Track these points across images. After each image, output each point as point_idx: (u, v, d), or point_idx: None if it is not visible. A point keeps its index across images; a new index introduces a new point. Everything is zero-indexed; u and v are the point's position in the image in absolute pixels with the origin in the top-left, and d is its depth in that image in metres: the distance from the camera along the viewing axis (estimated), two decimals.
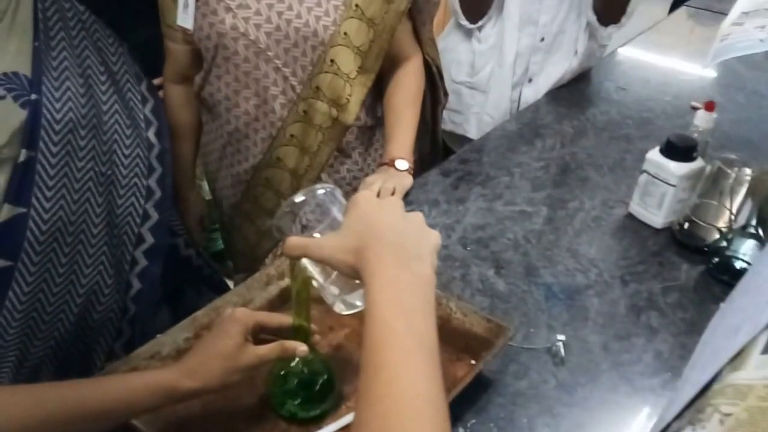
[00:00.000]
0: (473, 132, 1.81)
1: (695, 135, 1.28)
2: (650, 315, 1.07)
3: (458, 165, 1.47)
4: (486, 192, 1.37)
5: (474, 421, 0.88)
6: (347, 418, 0.85)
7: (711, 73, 2.03)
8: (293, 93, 1.32)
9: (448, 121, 1.84)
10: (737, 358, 0.59)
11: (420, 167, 1.49)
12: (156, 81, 1.55)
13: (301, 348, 0.83)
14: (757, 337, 0.51)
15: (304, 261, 0.75)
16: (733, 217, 1.18)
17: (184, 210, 1.57)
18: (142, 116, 1.19)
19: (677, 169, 1.20)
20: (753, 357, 0.52)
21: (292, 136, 1.36)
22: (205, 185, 1.68)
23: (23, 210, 1.01)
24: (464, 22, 1.71)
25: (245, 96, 1.35)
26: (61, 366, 1.15)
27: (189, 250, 1.45)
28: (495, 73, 1.74)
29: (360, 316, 1.03)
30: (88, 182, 1.09)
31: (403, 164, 1.35)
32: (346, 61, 1.30)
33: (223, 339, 0.80)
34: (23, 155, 0.99)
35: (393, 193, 1.28)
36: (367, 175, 1.48)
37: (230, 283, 1.68)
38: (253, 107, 1.35)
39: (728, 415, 0.50)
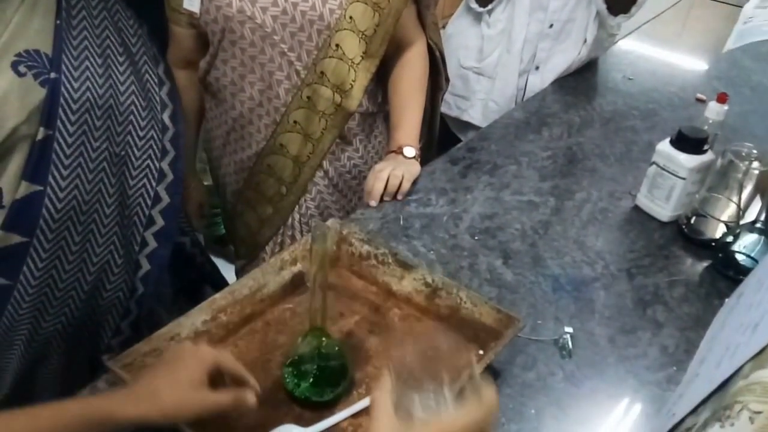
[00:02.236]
0: (478, 118, 1.81)
1: (705, 127, 1.28)
2: (656, 309, 1.08)
3: (465, 153, 1.47)
4: (493, 181, 1.37)
5: None
6: (360, 404, 0.86)
7: (717, 65, 2.03)
8: (297, 78, 1.31)
9: (454, 107, 1.84)
10: (761, 354, 0.59)
11: (421, 153, 1.49)
12: None
13: (251, 400, 0.79)
14: None
15: None
16: (740, 212, 1.19)
17: (183, 197, 1.56)
18: (158, 99, 1.19)
19: (688, 161, 1.20)
20: None
21: (295, 122, 1.35)
22: (205, 173, 1.67)
23: (40, 188, 1.01)
24: (474, 6, 1.70)
25: (250, 81, 1.34)
26: (71, 342, 1.16)
27: (194, 248, 1.46)
28: (503, 58, 1.73)
29: (369, 303, 1.04)
30: (102, 162, 1.09)
31: (410, 151, 1.35)
32: (352, 45, 1.29)
33: (181, 371, 0.75)
34: (41, 133, 1.00)
35: (402, 181, 1.28)
36: (367, 162, 1.48)
37: (230, 273, 1.69)
38: (258, 92, 1.34)
39: (758, 413, 0.50)
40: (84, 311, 1.15)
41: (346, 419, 0.86)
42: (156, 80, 1.20)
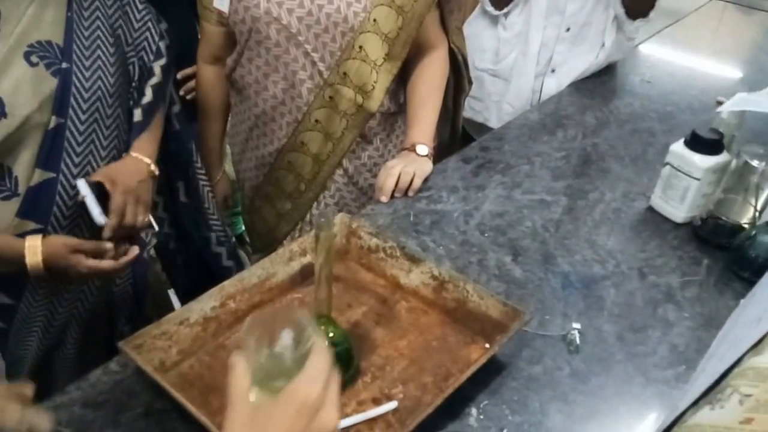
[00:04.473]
0: (493, 120, 1.80)
1: (721, 129, 1.26)
2: (667, 308, 1.07)
3: (479, 152, 1.47)
4: (505, 180, 1.36)
5: (487, 402, 0.88)
6: (377, 411, 0.85)
7: (738, 69, 2.01)
8: (320, 78, 1.33)
9: (468, 108, 1.84)
10: (759, 344, 0.59)
11: (439, 154, 1.49)
12: (189, 70, 1.58)
13: None
14: None
15: None
16: (757, 213, 1.17)
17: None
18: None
19: (702, 162, 1.19)
20: None
21: (317, 121, 1.37)
22: (230, 166, 1.69)
23: (53, 175, 1.04)
24: (490, 9, 1.70)
25: (274, 80, 1.35)
26: (86, 329, 1.19)
27: (220, 247, 1.48)
28: (518, 61, 1.73)
29: (377, 295, 1.04)
30: (113, 150, 1.12)
31: (423, 149, 1.35)
32: (374, 48, 1.31)
33: None
34: (53, 122, 1.02)
35: (413, 178, 1.29)
36: (387, 161, 1.48)
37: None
38: (281, 91, 1.36)
39: (748, 396, 0.50)
40: (98, 297, 1.18)
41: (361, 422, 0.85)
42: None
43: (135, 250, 1.13)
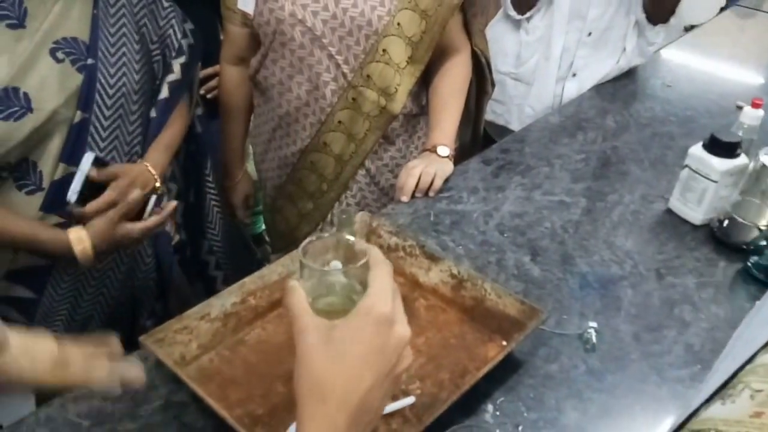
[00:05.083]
0: (514, 123, 1.82)
1: (740, 132, 1.27)
2: (684, 308, 1.08)
3: (499, 154, 1.48)
4: (525, 181, 1.38)
5: (503, 399, 0.90)
6: (396, 404, 0.87)
7: (758, 74, 2.01)
8: (344, 80, 1.35)
9: (490, 112, 1.85)
10: None
11: (460, 156, 1.52)
12: (209, 70, 1.61)
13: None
14: None
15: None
16: None
17: (231, 188, 1.61)
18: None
19: (720, 164, 1.20)
20: None
21: (340, 122, 1.39)
22: (252, 166, 1.73)
23: (76, 170, 1.06)
24: (512, 13, 1.72)
25: (298, 81, 1.38)
26: (109, 322, 1.22)
27: (210, 256, 1.52)
28: (540, 65, 1.75)
29: None
30: (136, 146, 1.14)
31: (444, 150, 1.37)
32: (398, 51, 1.33)
33: None
34: (78, 116, 1.05)
35: (434, 178, 1.31)
36: (409, 162, 1.50)
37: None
38: (305, 92, 1.39)
39: (759, 391, 0.51)
40: (121, 292, 1.21)
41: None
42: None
43: (173, 204, 1.21)
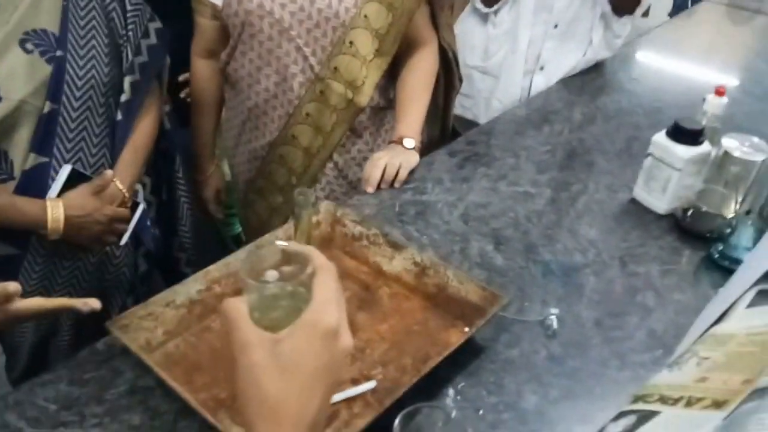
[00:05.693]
0: (482, 117, 1.82)
1: (704, 120, 1.28)
2: (647, 295, 1.08)
3: (465, 146, 1.49)
4: (491, 172, 1.38)
5: (464, 383, 0.90)
6: (358, 389, 0.87)
7: (725, 68, 2.03)
8: (312, 72, 1.35)
9: (458, 106, 1.86)
10: (722, 317, 0.60)
11: (428, 151, 1.51)
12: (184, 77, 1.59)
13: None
14: (744, 295, 0.52)
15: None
16: (737, 205, 1.18)
17: (202, 182, 1.60)
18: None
19: (683, 152, 1.20)
20: (737, 311, 0.53)
21: (307, 114, 1.39)
22: (227, 167, 1.72)
23: (46, 159, 1.07)
24: (480, 6, 1.73)
25: (266, 73, 1.37)
26: (80, 316, 1.21)
27: (181, 253, 1.52)
28: (508, 58, 1.75)
29: (360, 282, 1.06)
30: (105, 138, 1.14)
31: (410, 142, 1.37)
32: (365, 43, 1.33)
33: None
34: (47, 107, 1.05)
35: (399, 170, 1.31)
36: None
37: None
38: (273, 85, 1.38)
39: (706, 358, 0.51)
40: (92, 284, 1.20)
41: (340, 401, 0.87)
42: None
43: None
